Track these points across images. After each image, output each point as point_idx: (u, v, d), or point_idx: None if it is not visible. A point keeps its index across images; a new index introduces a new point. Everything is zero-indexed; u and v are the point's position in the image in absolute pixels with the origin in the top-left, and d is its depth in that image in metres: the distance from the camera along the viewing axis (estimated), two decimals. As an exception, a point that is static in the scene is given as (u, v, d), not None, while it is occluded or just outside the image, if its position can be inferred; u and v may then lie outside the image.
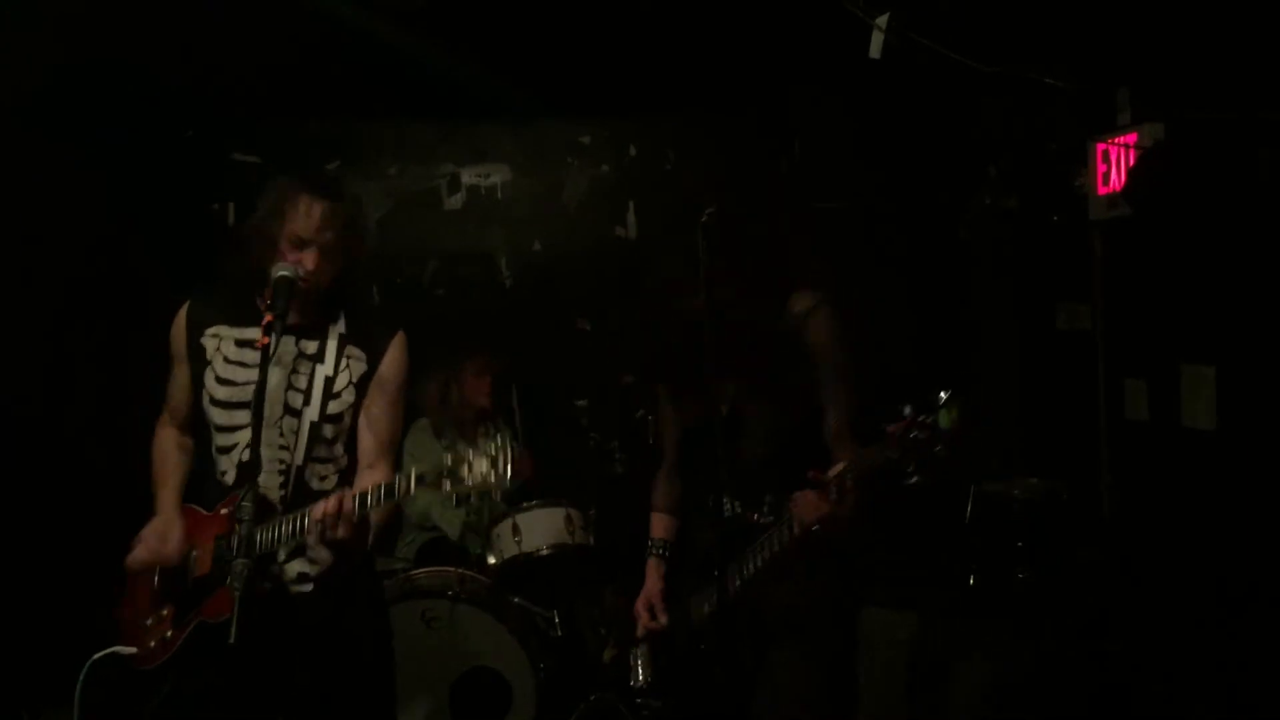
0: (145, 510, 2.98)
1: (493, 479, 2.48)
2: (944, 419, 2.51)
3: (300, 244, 2.75)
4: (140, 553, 2.82)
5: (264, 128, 5.54)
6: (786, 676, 2.82)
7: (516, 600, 4.42)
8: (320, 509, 2.61)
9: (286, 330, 2.72)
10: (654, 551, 3.16)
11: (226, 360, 2.84)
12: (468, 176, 5.83)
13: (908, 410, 2.56)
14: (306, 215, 2.74)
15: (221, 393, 2.82)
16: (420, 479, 2.54)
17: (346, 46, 4.64)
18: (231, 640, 2.36)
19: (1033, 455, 4.79)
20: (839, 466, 2.70)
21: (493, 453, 2.49)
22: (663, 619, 3.03)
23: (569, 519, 4.48)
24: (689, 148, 5.77)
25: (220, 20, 4.30)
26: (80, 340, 4.77)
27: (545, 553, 4.42)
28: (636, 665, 3.08)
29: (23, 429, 4.32)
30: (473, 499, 2.56)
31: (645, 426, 5.23)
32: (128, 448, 3.06)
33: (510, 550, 4.44)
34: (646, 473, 3.29)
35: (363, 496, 2.61)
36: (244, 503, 2.55)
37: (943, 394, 2.55)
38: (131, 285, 5.06)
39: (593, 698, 4.26)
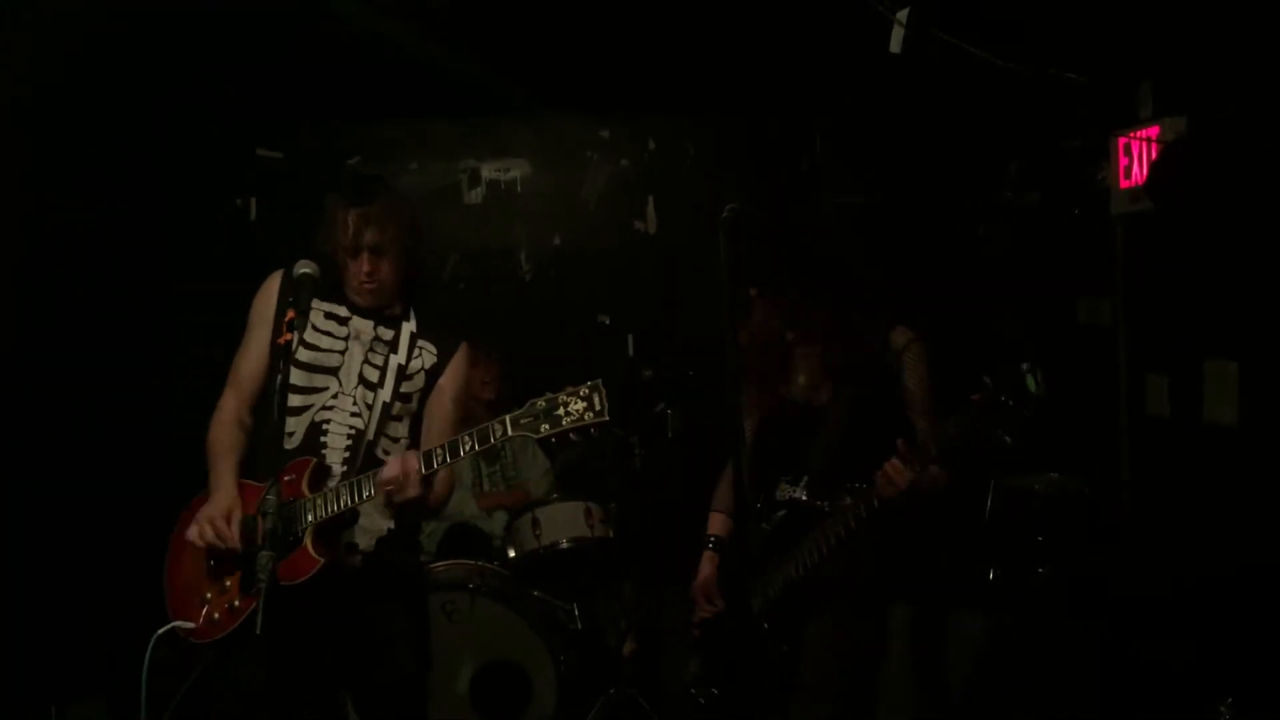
0: (169, 504, 3.02)
1: (590, 416, 2.55)
2: (1031, 384, 2.62)
3: (353, 253, 2.93)
4: (207, 532, 2.82)
5: (287, 124, 5.58)
6: (838, 641, 2.98)
7: (536, 593, 4.44)
8: (388, 471, 2.69)
9: (367, 313, 2.97)
10: (709, 546, 3.32)
11: (314, 328, 2.98)
12: (488, 171, 5.86)
13: (988, 380, 2.67)
14: (344, 225, 2.92)
15: (306, 355, 2.96)
16: (516, 421, 2.61)
17: (368, 44, 4.66)
18: (257, 630, 2.38)
19: (1053, 451, 4.77)
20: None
21: (587, 391, 2.56)
22: (719, 603, 3.19)
23: (589, 513, 4.50)
24: (709, 143, 5.78)
25: (245, 18, 4.33)
26: (109, 332, 4.80)
27: (565, 546, 4.44)
28: (690, 661, 3.22)
29: (47, 421, 4.36)
30: (572, 437, 2.61)
31: (665, 420, 5.25)
32: (157, 440, 3.08)
33: (530, 544, 4.46)
34: (666, 467, 3.33)
35: (453, 445, 2.69)
36: (268, 496, 2.57)
37: (1024, 364, 2.65)
38: (156, 279, 5.10)
39: (612, 691, 4.29)
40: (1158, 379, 4.17)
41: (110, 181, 4.87)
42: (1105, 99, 4.16)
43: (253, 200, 5.61)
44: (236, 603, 2.81)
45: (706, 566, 3.30)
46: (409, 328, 3.05)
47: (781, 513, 3.11)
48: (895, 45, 3.03)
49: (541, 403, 2.59)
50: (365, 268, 2.93)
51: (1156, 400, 4.18)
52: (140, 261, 5.07)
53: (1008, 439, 2.69)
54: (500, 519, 4.92)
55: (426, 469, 2.70)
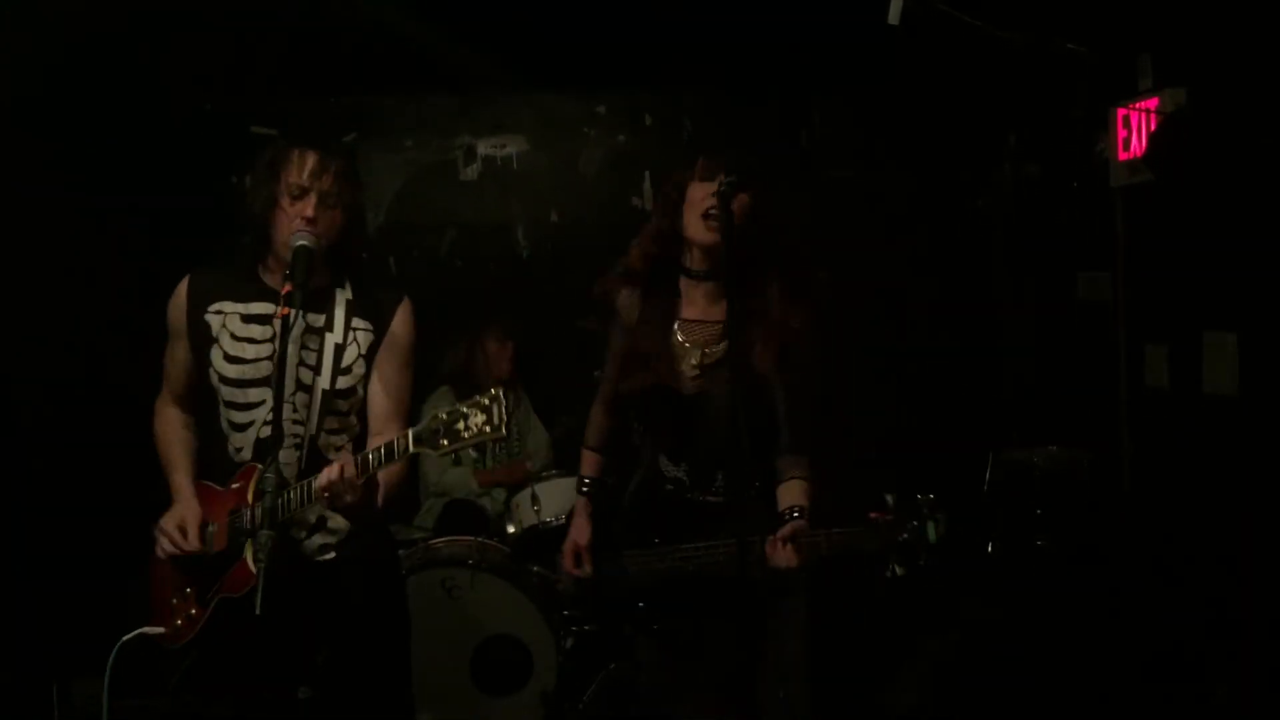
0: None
1: (488, 430, 2.48)
2: (931, 532, 2.62)
3: (300, 193, 2.74)
4: (165, 544, 2.82)
5: (282, 101, 5.54)
6: (792, 635, 2.91)
7: (537, 569, 4.44)
8: (324, 477, 2.62)
9: (290, 302, 2.70)
10: (584, 490, 3.23)
11: (234, 338, 2.82)
12: (484, 148, 5.83)
13: (891, 501, 2.66)
14: (300, 164, 2.75)
15: (233, 371, 2.81)
16: (418, 437, 2.54)
17: (364, 19, 4.64)
18: (257, 611, 2.38)
19: (1053, 423, 4.77)
20: (802, 499, 2.84)
21: (486, 403, 2.48)
22: (587, 569, 3.12)
23: (588, 488, 4.50)
24: (706, 118, 5.75)
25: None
26: (99, 315, 4.79)
27: (564, 521, 4.44)
28: (564, 587, 3.25)
29: (50, 403, 4.35)
30: (472, 453, 2.60)
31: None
32: (148, 424, 3.07)
33: (529, 519, 4.46)
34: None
35: (364, 459, 2.62)
36: (267, 474, 2.57)
37: (925, 498, 2.65)
38: (150, 258, 5.07)
39: (612, 666, 4.29)
40: (1157, 350, 4.16)
41: (102, 160, 4.84)
42: (1104, 70, 4.13)
43: (248, 177, 5.58)
44: (193, 612, 2.81)
45: (580, 518, 3.18)
46: (344, 296, 2.87)
47: (669, 488, 3.02)
48: (894, 17, 3.00)
49: (444, 415, 2.52)
50: (308, 211, 2.73)
51: (1155, 371, 4.18)
52: (132, 239, 5.04)
53: (898, 570, 2.73)
54: (500, 495, 4.93)
55: (362, 473, 2.62)
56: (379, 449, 2.62)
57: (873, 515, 2.69)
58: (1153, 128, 3.89)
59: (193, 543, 2.79)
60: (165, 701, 3.00)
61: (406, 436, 2.56)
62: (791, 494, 2.91)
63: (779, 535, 2.78)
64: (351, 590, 2.86)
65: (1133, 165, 4.09)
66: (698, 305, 3.00)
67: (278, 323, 2.68)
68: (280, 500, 2.65)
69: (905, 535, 2.63)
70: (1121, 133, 4.15)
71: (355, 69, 5.27)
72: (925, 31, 3.10)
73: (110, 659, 2.82)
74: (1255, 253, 3.55)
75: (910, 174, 5.47)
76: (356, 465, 2.62)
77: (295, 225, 2.74)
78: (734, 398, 2.68)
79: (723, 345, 2.89)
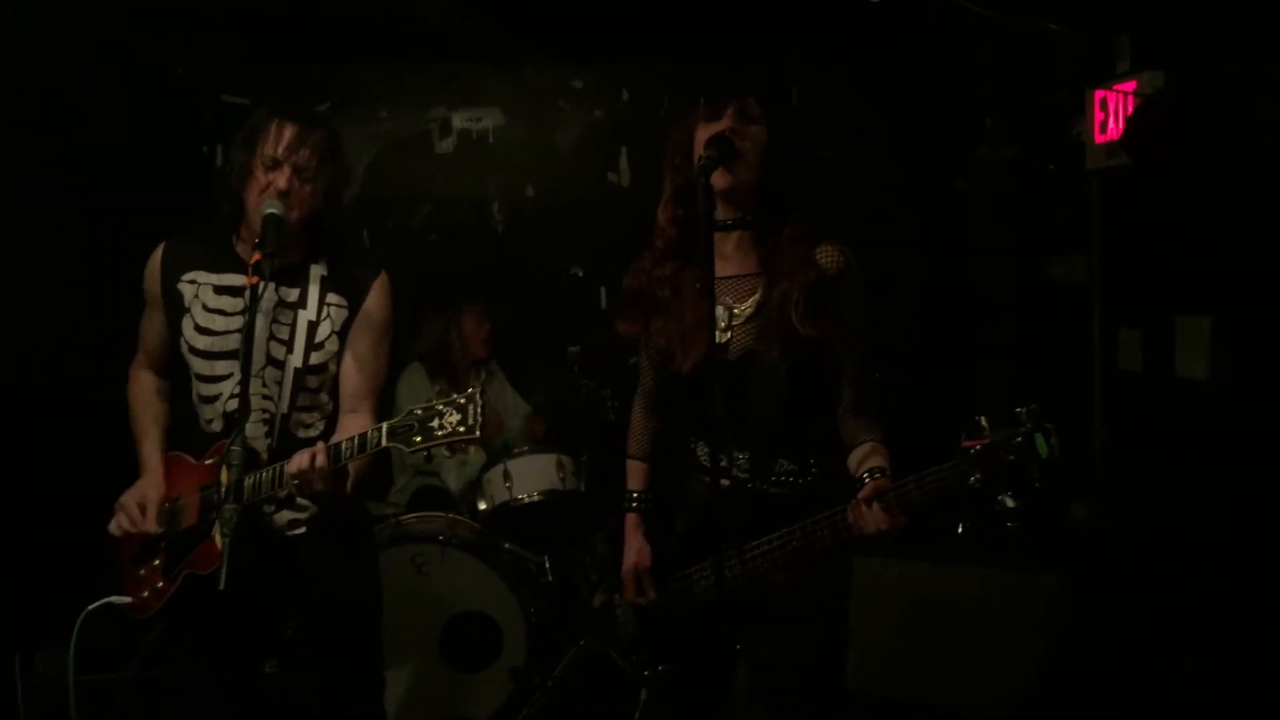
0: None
1: (462, 430, 2.44)
2: (1042, 445, 2.24)
3: (273, 164, 2.69)
4: (121, 521, 2.79)
5: (255, 70, 5.47)
6: (774, 654, 2.69)
7: (507, 546, 4.43)
8: (295, 465, 2.58)
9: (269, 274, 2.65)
10: (633, 506, 2.92)
11: (206, 308, 2.78)
12: (459, 121, 5.78)
13: (985, 423, 2.30)
14: (277, 135, 2.70)
15: (202, 342, 2.77)
16: (392, 432, 2.50)
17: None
18: (221, 587, 2.35)
19: (1026, 404, 4.78)
20: (881, 460, 2.53)
21: (463, 403, 2.44)
22: (651, 595, 2.82)
23: (560, 465, 4.49)
24: (684, 94, 5.70)
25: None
26: (69, 284, 4.72)
27: (536, 499, 4.43)
28: (623, 619, 2.92)
29: (20, 373, 4.29)
30: (444, 450, 2.54)
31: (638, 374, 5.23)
32: (123, 392, 3.03)
33: (501, 496, 4.44)
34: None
35: (336, 449, 2.58)
36: (233, 447, 2.53)
37: (1027, 408, 2.26)
38: (120, 228, 5.00)
39: (583, 643, 4.28)
40: (1131, 334, 4.17)
41: (71, 129, 4.76)
42: (1083, 52, 4.13)
43: (219, 147, 5.51)
44: (160, 584, 2.78)
45: (635, 539, 2.87)
46: (319, 272, 2.81)
47: (725, 482, 2.63)
48: (875, -9, 2.98)
49: (419, 410, 2.48)
50: (281, 183, 2.67)
51: (1129, 355, 4.19)
52: (103, 208, 4.97)
53: (1010, 503, 2.36)
54: (471, 468, 4.88)
55: (333, 462, 2.58)
56: (352, 440, 2.57)
57: (966, 443, 2.27)
58: (1130, 111, 3.88)
59: (149, 524, 2.76)
60: (132, 674, 2.98)
61: (380, 430, 2.52)
62: (867, 458, 2.61)
63: (860, 496, 2.47)
64: (321, 565, 2.82)
65: (1110, 148, 4.08)
66: (731, 260, 2.74)
67: (249, 293, 2.64)
68: (251, 482, 2.63)
69: (1012, 457, 2.24)
70: (1099, 115, 4.14)
71: (330, 37, 5.20)
72: (906, 8, 3.08)
73: (76, 629, 2.78)
74: (1230, 238, 3.55)
75: (889, 153, 5.45)
76: (328, 454, 2.58)
77: (268, 196, 2.69)
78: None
79: (754, 299, 2.67)
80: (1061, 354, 4.66)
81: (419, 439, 2.47)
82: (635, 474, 2.98)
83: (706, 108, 2.73)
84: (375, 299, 2.86)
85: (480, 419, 2.42)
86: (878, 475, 2.54)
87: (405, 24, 4.95)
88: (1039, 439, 2.24)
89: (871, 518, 2.44)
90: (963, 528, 4.23)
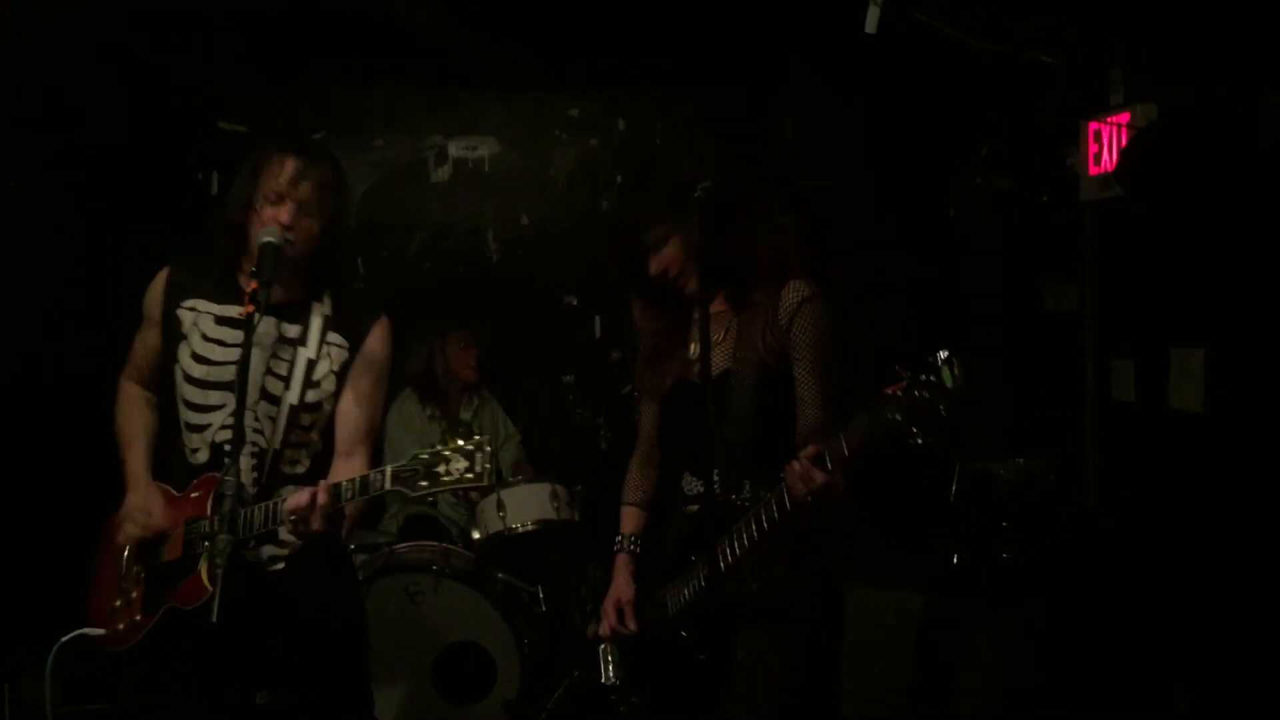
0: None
1: (470, 477, 2.42)
2: (946, 377, 2.32)
3: (276, 199, 2.69)
4: (131, 530, 2.75)
5: (251, 97, 5.48)
6: (766, 662, 2.70)
7: (501, 575, 4.40)
8: (293, 503, 2.55)
9: (268, 310, 2.65)
10: (624, 547, 3.01)
11: (205, 338, 2.78)
12: (455, 149, 5.79)
13: (902, 370, 2.38)
14: (280, 168, 2.70)
15: (198, 371, 2.76)
16: (396, 476, 2.48)
17: (335, 15, 4.60)
18: (214, 619, 2.32)
19: (1019, 435, 4.78)
20: (827, 437, 2.51)
21: (470, 450, 2.43)
22: (631, 625, 2.89)
23: (554, 494, 4.47)
24: (678, 123, 5.74)
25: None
26: (61, 311, 4.72)
27: (530, 528, 4.41)
28: (606, 663, 2.94)
29: (15, 380, 4.28)
30: (450, 497, 2.52)
31: (632, 403, 5.22)
32: (109, 418, 3.02)
33: (495, 525, 4.42)
34: (632, 449, 3.22)
35: (337, 489, 2.56)
36: (227, 478, 2.52)
37: (941, 353, 2.35)
38: (115, 254, 5.01)
39: (576, 674, 4.26)
40: (1124, 364, 4.18)
41: (66, 156, 4.76)
42: (1077, 84, 4.15)
43: (214, 174, 5.52)
44: (138, 618, 2.74)
45: (621, 575, 2.95)
46: (321, 310, 2.81)
47: (693, 508, 2.83)
48: (871, 26, 3.00)
49: (425, 455, 2.46)
50: (284, 218, 2.66)
51: (1122, 386, 4.20)
52: (98, 237, 4.98)
53: (919, 439, 2.48)
54: (462, 508, 4.86)
55: (333, 502, 2.55)
56: (354, 481, 2.55)
57: (885, 389, 2.39)
58: (1124, 143, 3.90)
59: (159, 518, 2.72)
60: (117, 706, 2.95)
61: (385, 474, 2.49)
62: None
63: (796, 460, 2.51)
64: (303, 599, 2.79)
65: (1103, 180, 4.11)
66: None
67: (246, 323, 2.63)
68: (242, 518, 2.60)
69: (925, 393, 2.32)
70: (1093, 147, 4.16)
71: (326, 64, 5.22)
72: (900, 40, 3.10)
73: (49, 660, 2.75)
74: (1223, 270, 3.57)
75: (880, 181, 5.47)
76: (329, 494, 2.55)
77: (268, 228, 2.68)
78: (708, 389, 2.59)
79: (724, 329, 2.80)
80: (1054, 383, 4.67)
81: (424, 484, 2.44)
82: (627, 518, 3.06)
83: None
84: (376, 341, 2.86)
85: (489, 467, 2.40)
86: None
87: (401, 52, 4.97)
88: (944, 371, 2.33)
89: (804, 475, 2.48)
90: (957, 558, 4.24)
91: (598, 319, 5.71)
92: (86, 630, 2.79)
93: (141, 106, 5.27)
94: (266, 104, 5.48)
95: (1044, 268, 4.80)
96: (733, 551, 2.65)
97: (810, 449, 2.50)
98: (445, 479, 2.43)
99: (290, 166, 2.70)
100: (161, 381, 2.85)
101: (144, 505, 2.76)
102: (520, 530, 4.39)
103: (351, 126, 5.65)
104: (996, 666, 3.94)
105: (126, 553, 2.79)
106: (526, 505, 4.42)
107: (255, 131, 5.51)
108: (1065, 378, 4.53)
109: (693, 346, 2.83)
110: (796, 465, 2.50)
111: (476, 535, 4.48)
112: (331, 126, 5.57)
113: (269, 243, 2.65)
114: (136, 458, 2.86)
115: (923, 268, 5.43)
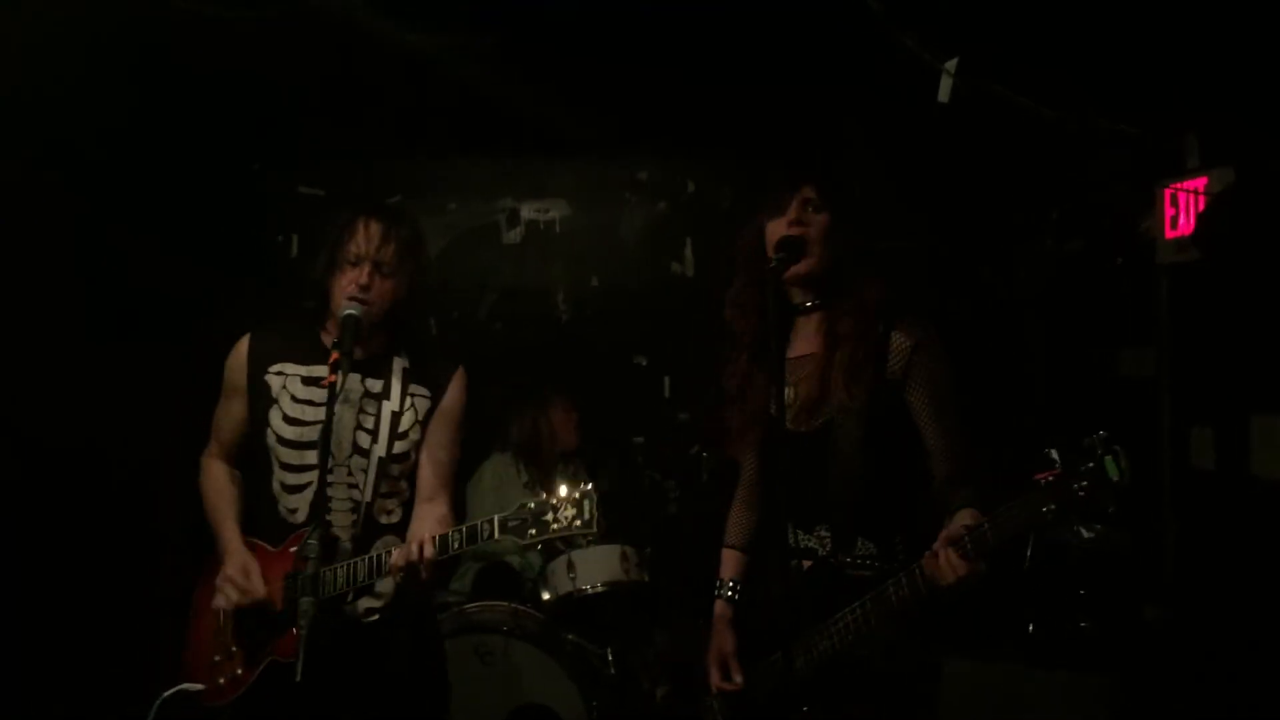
0: (208, 544, 3.00)
1: (579, 525, 2.50)
2: (1111, 468, 2.16)
3: (356, 261, 2.80)
4: (230, 593, 2.81)
5: (329, 162, 5.62)
6: None
7: (570, 637, 4.40)
8: (400, 556, 2.63)
9: (352, 367, 2.75)
10: (722, 593, 2.91)
11: (294, 399, 2.86)
12: (527, 211, 5.88)
13: (1055, 455, 2.24)
14: (363, 233, 2.81)
15: (291, 432, 2.84)
16: (504, 524, 2.56)
17: (411, 82, 4.71)
18: (297, 678, 2.37)
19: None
20: (973, 522, 2.40)
21: (578, 498, 2.50)
22: (737, 679, 2.77)
23: (624, 556, 4.47)
24: (747, 186, 5.77)
25: (287, 55, 4.38)
26: (142, 373, 4.82)
27: (600, 590, 4.41)
28: (714, 708, 2.84)
29: (88, 459, 4.37)
30: (558, 544, 2.57)
31: (701, 464, 5.22)
32: (194, 483, 3.08)
33: (565, 587, 4.43)
34: (702, 510, 3.23)
35: (444, 540, 2.63)
36: (310, 540, 2.58)
37: (1099, 433, 2.19)
38: (196, 316, 5.12)
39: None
40: (1202, 431, 4.12)
41: (151, 216, 4.89)
42: (1151, 148, 4.13)
43: (295, 237, 5.65)
44: (239, 672, 2.80)
45: (722, 626, 2.86)
46: (401, 364, 2.92)
47: (806, 563, 2.67)
48: (944, 95, 3.02)
49: (532, 504, 2.55)
50: (362, 279, 2.78)
51: (1201, 453, 4.13)
52: (180, 297, 5.09)
53: (1085, 533, 2.31)
54: (535, 557, 4.89)
55: (440, 553, 2.62)
56: (460, 531, 2.63)
57: (1037, 476, 2.22)
58: (1201, 207, 3.88)
59: (258, 587, 2.78)
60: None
61: (493, 523, 2.58)
62: (956, 519, 2.50)
63: (935, 546, 2.40)
64: (395, 653, 2.86)
65: (1180, 243, 4.08)
66: (808, 340, 2.77)
67: (328, 391, 2.70)
68: (345, 572, 2.70)
69: (1085, 484, 2.16)
70: (1169, 211, 4.14)
71: (401, 130, 5.33)
72: (973, 109, 3.11)
73: (151, 715, 2.80)
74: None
75: (949, 245, 5.46)
76: (435, 545, 2.63)
77: (348, 292, 2.78)
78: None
79: (815, 374, 2.67)
80: (1129, 450, 4.59)
81: (533, 532, 2.53)
82: (727, 562, 2.98)
83: (772, 201, 2.79)
84: (454, 392, 2.96)
85: (596, 514, 2.47)
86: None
87: (475, 118, 5.06)
88: (1109, 462, 2.17)
89: (948, 564, 2.37)
90: (1033, 627, 4.17)
91: (666, 379, 5.74)
92: (186, 685, 2.84)
93: (224, 171, 5.42)
94: (344, 169, 5.62)
95: (1118, 332, 4.75)
96: (856, 631, 2.55)
97: (954, 531, 2.40)
98: (555, 526, 2.52)
99: (372, 231, 2.81)
100: (249, 450, 2.93)
101: (242, 570, 2.81)
102: (590, 591, 4.39)
103: (425, 190, 5.77)
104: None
105: (225, 611, 2.85)
106: (596, 567, 4.43)
107: (333, 195, 5.65)
108: (1141, 443, 4.46)
109: (790, 392, 2.70)
110: (941, 555, 2.39)
111: (546, 596, 4.49)
112: (406, 190, 5.68)
113: (350, 315, 2.75)
114: (230, 530, 2.92)
115: (988, 331, 5.40)
